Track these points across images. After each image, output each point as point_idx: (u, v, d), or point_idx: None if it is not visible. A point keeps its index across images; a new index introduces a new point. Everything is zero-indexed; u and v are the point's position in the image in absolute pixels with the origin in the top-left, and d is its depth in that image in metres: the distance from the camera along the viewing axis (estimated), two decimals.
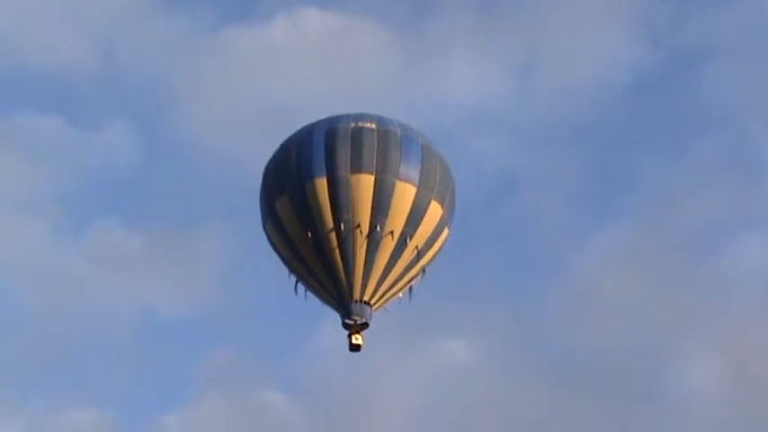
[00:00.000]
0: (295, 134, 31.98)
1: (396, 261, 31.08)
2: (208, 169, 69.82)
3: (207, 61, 71.57)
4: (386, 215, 30.69)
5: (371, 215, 30.64)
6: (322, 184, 30.71)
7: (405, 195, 30.85)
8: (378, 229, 30.63)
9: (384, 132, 31.30)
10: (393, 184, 30.77)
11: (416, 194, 30.99)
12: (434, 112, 69.61)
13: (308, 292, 32.06)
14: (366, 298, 31.07)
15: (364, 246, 30.71)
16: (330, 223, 30.66)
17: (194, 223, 68.48)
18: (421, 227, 31.15)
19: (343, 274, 30.88)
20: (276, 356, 55.68)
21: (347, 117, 31.72)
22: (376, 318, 31.69)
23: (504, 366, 58.94)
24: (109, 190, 73.32)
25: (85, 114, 77.09)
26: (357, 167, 30.75)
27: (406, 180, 30.96)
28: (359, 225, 30.61)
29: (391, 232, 30.77)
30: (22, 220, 68.35)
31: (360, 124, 31.36)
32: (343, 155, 30.82)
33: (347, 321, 31.13)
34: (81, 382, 63.89)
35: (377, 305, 31.48)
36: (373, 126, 31.34)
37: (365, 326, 31.15)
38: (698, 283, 64.36)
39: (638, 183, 72.08)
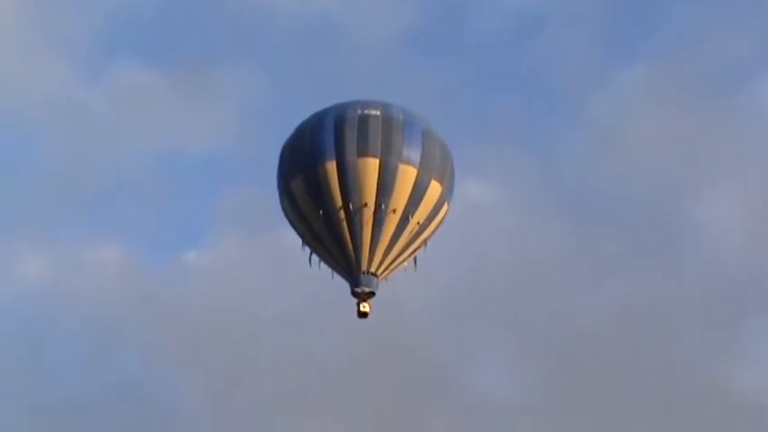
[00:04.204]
0: (307, 120, 34.97)
1: (399, 235, 34.10)
2: (232, 8, 70.68)
3: None
4: (390, 195, 33.67)
5: (377, 195, 33.61)
6: (332, 167, 33.71)
7: (407, 176, 33.81)
8: (383, 207, 33.62)
9: (388, 119, 34.24)
10: (396, 167, 33.74)
11: (417, 175, 33.94)
12: None
13: (322, 264, 35.18)
14: (373, 269, 34.16)
15: (371, 222, 33.71)
16: (339, 202, 33.69)
17: (218, 62, 70.47)
18: (422, 204, 34.15)
19: (351, 248, 33.96)
20: None
21: (354, 104, 34.67)
22: None
23: (527, 205, 60.90)
24: (132, 29, 74.70)
25: None
26: (363, 152, 33.72)
27: (408, 162, 33.90)
28: (365, 204, 33.61)
29: (395, 210, 33.75)
30: (47, 61, 69.94)
31: (366, 111, 34.29)
32: (351, 140, 33.76)
33: (356, 290, 34.26)
34: (104, 219, 67.96)
35: (383, 275, 34.58)
36: (378, 113, 34.30)
37: (372, 294, 34.30)
38: (720, 121, 66.12)
39: (663, 22, 73.45)
